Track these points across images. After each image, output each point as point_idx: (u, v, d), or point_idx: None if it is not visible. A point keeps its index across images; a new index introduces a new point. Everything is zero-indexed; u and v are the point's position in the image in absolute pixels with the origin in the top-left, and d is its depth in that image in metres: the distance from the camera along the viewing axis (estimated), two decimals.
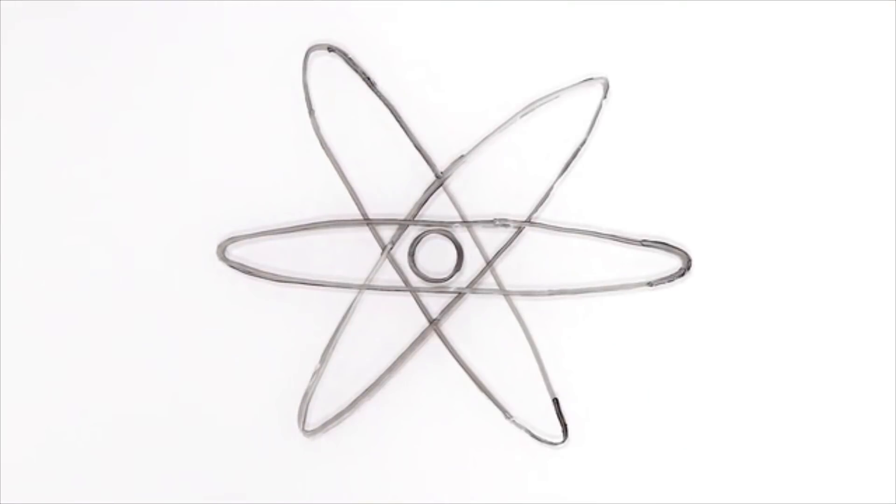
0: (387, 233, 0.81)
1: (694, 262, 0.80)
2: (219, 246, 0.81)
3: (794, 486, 0.80)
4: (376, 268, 0.81)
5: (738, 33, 0.82)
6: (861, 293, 0.80)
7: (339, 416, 0.81)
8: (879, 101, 0.81)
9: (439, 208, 0.82)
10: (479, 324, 0.82)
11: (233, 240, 0.81)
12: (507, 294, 0.80)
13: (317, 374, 0.81)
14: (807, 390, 0.81)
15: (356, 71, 0.81)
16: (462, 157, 0.81)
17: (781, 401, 0.81)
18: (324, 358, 0.81)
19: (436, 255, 0.81)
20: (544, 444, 0.81)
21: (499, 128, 0.81)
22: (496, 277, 0.81)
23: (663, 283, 0.80)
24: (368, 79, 0.81)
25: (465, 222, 0.81)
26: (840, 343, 0.81)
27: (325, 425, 0.81)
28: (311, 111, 0.82)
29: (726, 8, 0.81)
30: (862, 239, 0.81)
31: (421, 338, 0.82)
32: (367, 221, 0.81)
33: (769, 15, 0.81)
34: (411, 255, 0.80)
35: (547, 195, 0.81)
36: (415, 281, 0.81)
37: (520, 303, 0.81)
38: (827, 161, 0.81)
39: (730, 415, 0.81)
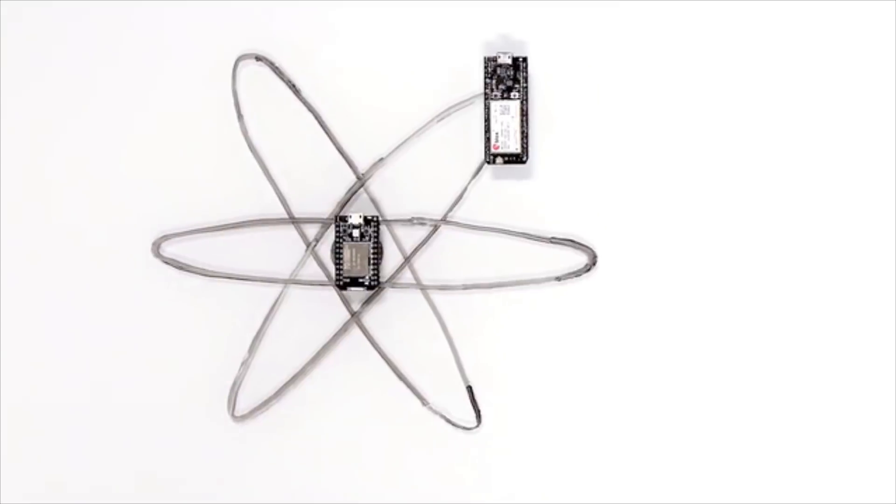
0: (311, 231, 0.82)
1: (599, 258, 0.81)
2: (153, 243, 0.81)
3: (689, 474, 0.83)
4: (301, 263, 0.82)
5: (647, 30, 0.83)
6: (759, 290, 0.82)
7: (266, 403, 0.81)
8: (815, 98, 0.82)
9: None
10: (397, 316, 0.83)
11: (166, 237, 0.81)
12: (423, 288, 0.82)
13: (245, 364, 0.81)
14: (702, 380, 0.82)
15: (282, 79, 0.81)
16: (381, 159, 0.82)
17: (678, 387, 0.82)
18: (252, 348, 0.82)
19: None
20: (459, 430, 0.81)
21: (416, 132, 0.81)
22: (413, 272, 0.82)
23: (570, 277, 0.81)
24: (294, 86, 0.81)
25: (385, 221, 0.82)
26: (737, 337, 0.82)
27: (254, 411, 0.81)
28: (239, 116, 0.82)
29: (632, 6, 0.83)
30: (761, 238, 0.83)
31: (343, 329, 0.82)
32: (293, 220, 0.82)
33: (689, 16, 0.82)
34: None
35: (461, 195, 0.82)
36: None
37: (435, 296, 0.82)
38: (722, 161, 0.82)
39: (628, 402, 0.82)
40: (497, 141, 0.80)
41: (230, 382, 0.82)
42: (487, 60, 0.80)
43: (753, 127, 0.83)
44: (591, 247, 0.81)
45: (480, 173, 0.82)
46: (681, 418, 0.82)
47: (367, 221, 0.79)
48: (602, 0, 0.82)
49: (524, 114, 0.80)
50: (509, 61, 0.80)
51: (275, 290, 0.82)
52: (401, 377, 0.82)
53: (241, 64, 0.82)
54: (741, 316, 0.82)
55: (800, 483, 0.82)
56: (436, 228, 0.82)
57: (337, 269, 0.80)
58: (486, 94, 0.79)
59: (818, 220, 0.82)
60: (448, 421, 0.81)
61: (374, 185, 0.83)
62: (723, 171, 0.83)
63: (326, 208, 0.83)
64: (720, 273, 0.82)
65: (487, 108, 0.80)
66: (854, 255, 0.82)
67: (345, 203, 0.82)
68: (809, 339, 0.82)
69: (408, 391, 0.82)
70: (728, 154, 0.83)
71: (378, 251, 0.80)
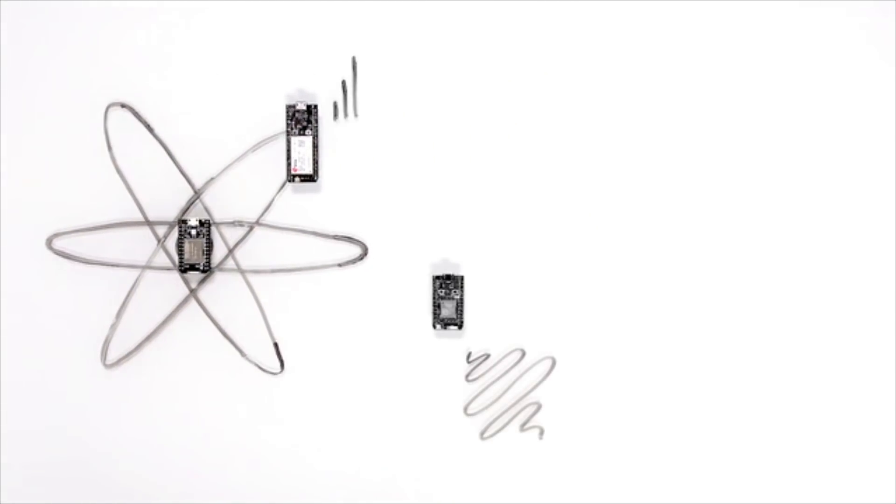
0: (161, 230, 0.90)
1: (369, 250, 0.90)
2: (47, 239, 0.89)
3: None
4: (154, 254, 0.90)
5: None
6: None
7: (128, 355, 0.89)
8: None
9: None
10: (223, 292, 0.90)
11: (56, 235, 0.89)
12: (242, 272, 0.90)
13: (113, 326, 0.89)
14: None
15: (140, 120, 0.89)
16: (212, 178, 0.90)
17: (428, 339, 0.90)
18: (118, 315, 0.89)
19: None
20: (267, 374, 0.90)
21: (238, 158, 0.89)
22: (235, 260, 0.90)
23: (348, 264, 0.89)
24: (148, 125, 0.89)
25: (214, 223, 0.90)
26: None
27: (120, 361, 0.89)
28: (109, 148, 0.89)
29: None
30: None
31: (184, 302, 0.90)
32: (148, 223, 0.90)
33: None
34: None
35: (270, 204, 0.90)
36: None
37: (251, 278, 0.90)
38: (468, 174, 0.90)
39: (389, 351, 0.90)
40: (295, 165, 0.88)
41: (103, 339, 0.89)
42: (288, 107, 0.88)
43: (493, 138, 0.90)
44: (363, 242, 0.89)
45: (284, 188, 0.89)
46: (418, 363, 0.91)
47: (201, 223, 0.89)
48: (369, 65, 0.89)
49: (315, 146, 0.88)
50: (304, 108, 0.87)
51: (135, 273, 0.89)
52: (226, 336, 0.90)
53: (110, 109, 0.88)
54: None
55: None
56: (251, 228, 0.90)
57: (179, 258, 0.89)
58: (287, 131, 0.88)
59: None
60: (260, 368, 0.89)
61: (207, 197, 0.90)
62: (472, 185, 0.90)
63: (172, 214, 0.90)
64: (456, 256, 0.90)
65: (288, 142, 0.88)
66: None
67: (185, 210, 0.89)
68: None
69: (231, 346, 0.90)
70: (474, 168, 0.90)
71: (209, 245, 0.89)
